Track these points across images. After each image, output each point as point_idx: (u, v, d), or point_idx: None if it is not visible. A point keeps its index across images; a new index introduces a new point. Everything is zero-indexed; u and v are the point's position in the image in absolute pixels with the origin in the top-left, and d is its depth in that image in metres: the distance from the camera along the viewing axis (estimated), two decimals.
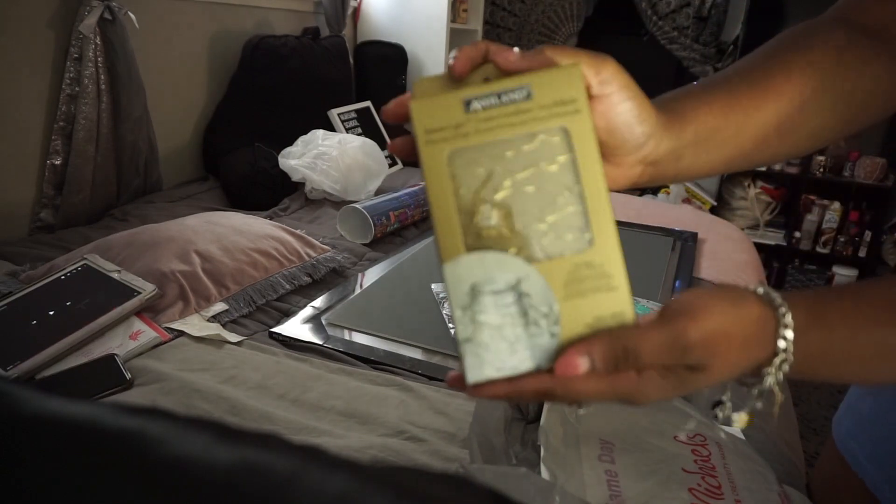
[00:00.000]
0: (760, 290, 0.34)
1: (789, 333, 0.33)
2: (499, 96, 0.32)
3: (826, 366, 0.35)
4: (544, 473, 0.54)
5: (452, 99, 0.32)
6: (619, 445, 0.61)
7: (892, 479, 0.58)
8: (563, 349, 0.32)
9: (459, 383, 0.34)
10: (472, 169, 0.33)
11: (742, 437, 0.69)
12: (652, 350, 0.31)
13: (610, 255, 0.32)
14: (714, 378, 0.33)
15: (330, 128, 2.00)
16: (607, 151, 0.36)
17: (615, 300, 0.33)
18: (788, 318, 0.33)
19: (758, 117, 0.42)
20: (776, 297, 0.34)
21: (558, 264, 0.32)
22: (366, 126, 2.18)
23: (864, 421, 0.62)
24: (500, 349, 0.32)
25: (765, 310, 0.33)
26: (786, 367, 0.34)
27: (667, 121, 0.38)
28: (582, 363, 0.31)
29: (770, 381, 0.34)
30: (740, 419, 0.38)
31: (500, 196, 0.33)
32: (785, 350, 0.33)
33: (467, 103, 0.32)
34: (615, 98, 0.34)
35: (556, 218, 0.33)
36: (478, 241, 0.32)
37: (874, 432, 0.60)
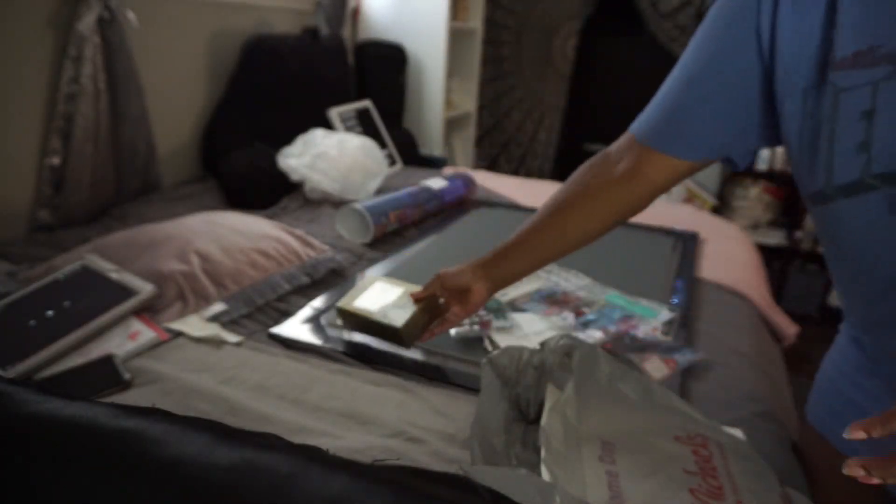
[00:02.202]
0: None
1: None
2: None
3: None
4: (545, 474, 0.54)
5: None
6: (620, 446, 0.60)
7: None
8: None
9: None
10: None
11: (743, 437, 0.69)
12: None
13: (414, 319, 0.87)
14: None
15: (329, 127, 2.00)
16: (469, 290, 0.81)
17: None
18: None
19: (541, 245, 0.78)
20: None
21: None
22: (365, 126, 2.18)
23: (846, 402, 0.67)
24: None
25: None
26: None
27: (479, 265, 0.81)
28: None
29: None
30: None
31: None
32: None
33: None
34: (457, 281, 0.82)
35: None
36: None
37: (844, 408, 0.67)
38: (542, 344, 0.70)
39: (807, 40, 0.53)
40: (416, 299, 0.88)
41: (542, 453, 0.56)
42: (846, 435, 0.43)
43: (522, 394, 0.68)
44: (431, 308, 0.91)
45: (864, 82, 0.49)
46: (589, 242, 0.77)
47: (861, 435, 0.42)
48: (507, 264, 0.80)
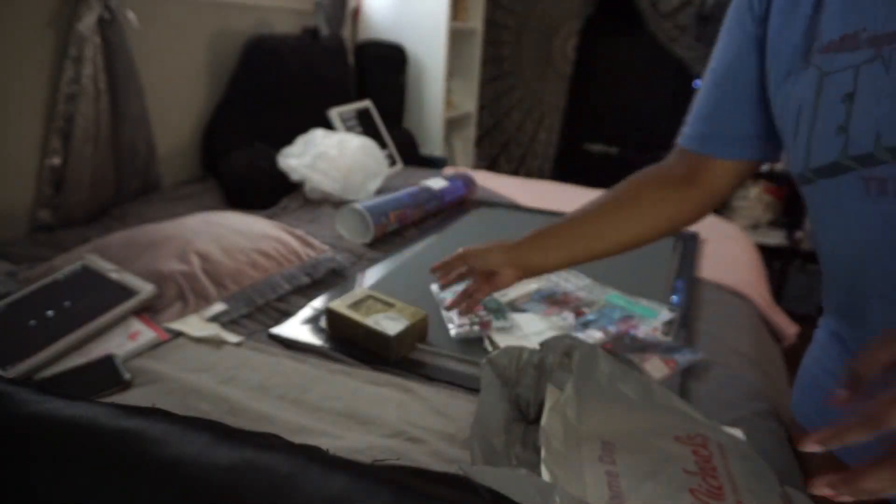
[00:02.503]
0: None
1: None
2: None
3: None
4: (545, 474, 0.54)
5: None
6: (620, 446, 0.60)
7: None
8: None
9: None
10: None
11: (743, 437, 0.69)
12: None
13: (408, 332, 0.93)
14: None
15: (330, 127, 2.00)
16: (495, 272, 0.77)
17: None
18: None
19: (580, 240, 0.74)
20: None
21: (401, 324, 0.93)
22: (366, 126, 2.18)
23: (810, 388, 0.69)
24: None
25: None
26: None
27: (510, 248, 0.77)
28: None
29: None
30: None
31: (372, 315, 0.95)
32: None
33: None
34: (484, 262, 0.78)
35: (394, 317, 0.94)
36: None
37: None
38: (542, 344, 0.70)
39: (794, 26, 0.55)
40: (434, 269, 0.85)
41: (542, 453, 0.56)
42: (805, 448, 0.43)
43: (522, 394, 0.68)
44: (420, 327, 0.95)
45: (848, 65, 0.50)
46: (632, 247, 0.73)
47: (817, 448, 0.42)
48: (539, 254, 0.76)
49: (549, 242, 0.75)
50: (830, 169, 0.53)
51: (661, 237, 0.72)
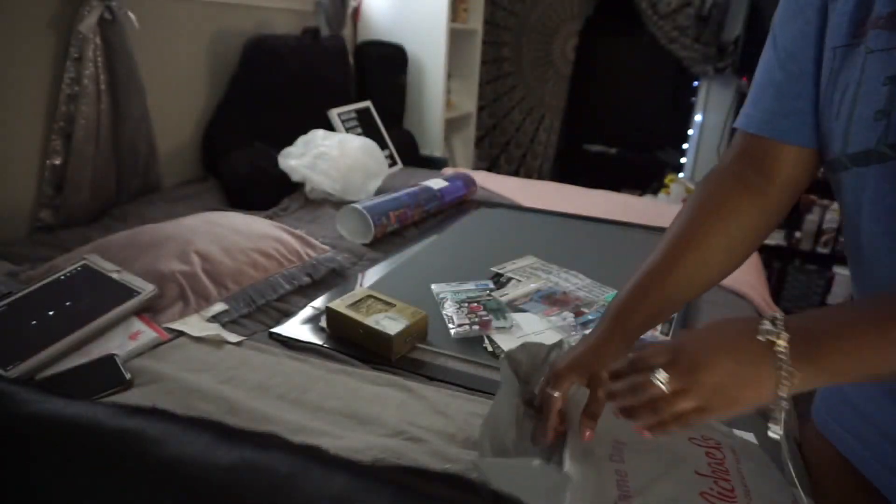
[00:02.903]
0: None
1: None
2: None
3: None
4: (567, 464, 0.54)
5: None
6: (632, 446, 0.60)
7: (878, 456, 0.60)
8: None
9: None
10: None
11: (755, 441, 0.68)
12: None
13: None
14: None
15: (330, 128, 2.00)
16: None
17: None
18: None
19: (674, 295, 0.67)
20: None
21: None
22: (366, 126, 2.18)
23: (844, 401, 0.65)
24: None
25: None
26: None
27: (624, 343, 0.64)
28: None
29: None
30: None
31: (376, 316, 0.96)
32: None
33: None
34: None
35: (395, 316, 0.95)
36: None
37: (854, 412, 0.63)
38: (557, 344, 0.71)
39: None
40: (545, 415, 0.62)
41: (568, 447, 0.56)
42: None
43: (536, 390, 0.68)
44: (420, 326, 0.96)
45: (894, 45, 0.46)
46: (728, 274, 0.66)
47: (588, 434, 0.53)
48: (644, 328, 0.66)
49: (649, 318, 0.65)
50: (866, 156, 0.49)
51: (751, 254, 0.66)
